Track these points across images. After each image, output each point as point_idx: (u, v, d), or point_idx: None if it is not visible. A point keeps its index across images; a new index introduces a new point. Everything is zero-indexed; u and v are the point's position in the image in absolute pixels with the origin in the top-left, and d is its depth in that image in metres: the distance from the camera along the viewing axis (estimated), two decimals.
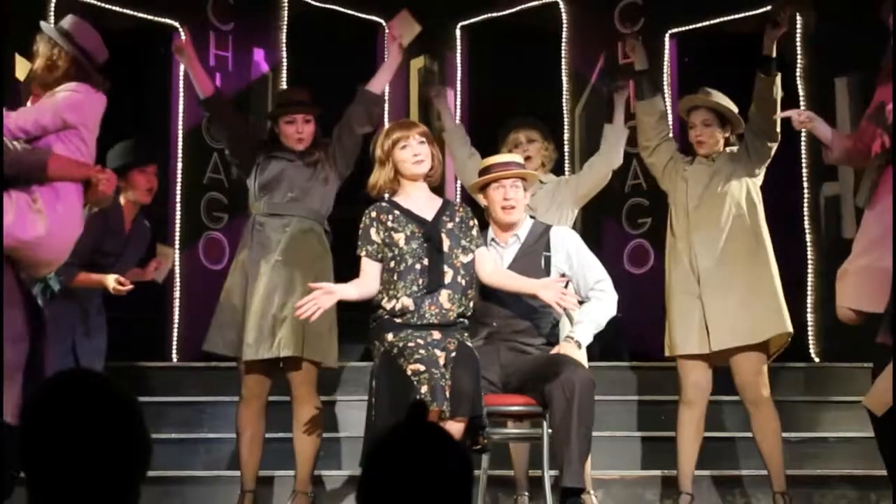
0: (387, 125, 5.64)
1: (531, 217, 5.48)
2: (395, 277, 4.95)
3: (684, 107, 5.96)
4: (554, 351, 5.20)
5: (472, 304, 5.07)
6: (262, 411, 5.65)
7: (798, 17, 7.81)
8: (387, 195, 5.11)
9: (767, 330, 5.63)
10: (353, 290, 5.00)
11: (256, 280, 5.56)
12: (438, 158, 5.13)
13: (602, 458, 6.11)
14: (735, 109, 5.86)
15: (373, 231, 5.01)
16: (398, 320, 4.91)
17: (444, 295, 4.94)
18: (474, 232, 5.10)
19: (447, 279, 4.96)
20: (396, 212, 5.03)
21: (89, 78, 4.79)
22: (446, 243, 5.00)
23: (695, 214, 5.74)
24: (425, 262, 4.96)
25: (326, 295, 4.92)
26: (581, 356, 5.21)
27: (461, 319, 5.00)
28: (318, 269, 5.59)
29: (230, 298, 5.64)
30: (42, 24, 4.90)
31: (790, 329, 5.68)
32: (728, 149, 5.86)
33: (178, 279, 7.53)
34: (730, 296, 5.61)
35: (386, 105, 8.48)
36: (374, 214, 5.04)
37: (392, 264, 4.97)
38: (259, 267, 5.58)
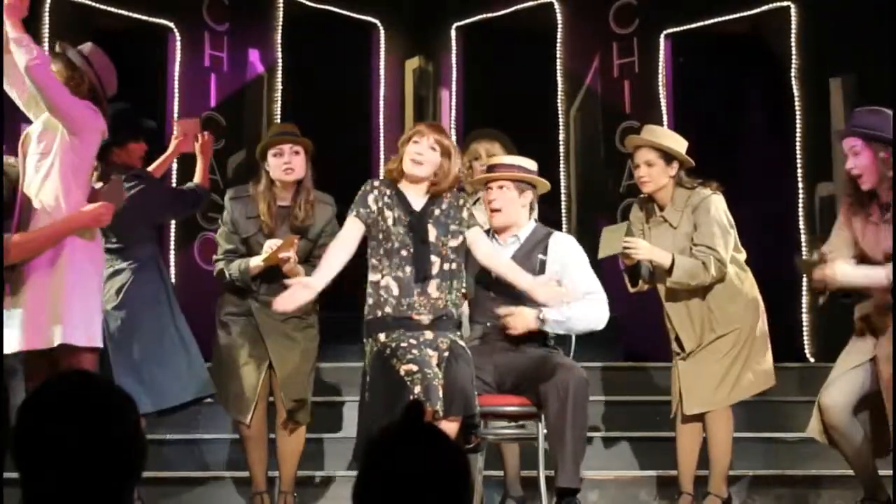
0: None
1: (535, 221, 5.45)
2: (382, 253, 4.93)
3: (628, 146, 5.72)
4: (508, 309, 5.18)
5: (461, 292, 5.04)
6: (266, 412, 5.62)
7: (793, 17, 7.83)
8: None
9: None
10: (323, 279, 4.94)
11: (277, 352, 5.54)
12: (448, 172, 5.03)
13: (597, 459, 6.12)
14: (680, 147, 5.57)
15: (370, 197, 4.99)
16: (389, 311, 4.87)
17: (432, 284, 4.92)
18: (464, 214, 5.04)
19: (434, 269, 4.93)
20: (393, 192, 5.01)
21: (101, 105, 4.89)
22: (432, 233, 4.97)
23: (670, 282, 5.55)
24: (411, 249, 4.94)
25: (305, 289, 4.90)
26: (529, 323, 5.19)
27: (451, 309, 4.95)
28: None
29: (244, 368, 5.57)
30: (63, 45, 4.99)
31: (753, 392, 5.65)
32: (690, 198, 5.52)
33: (172, 280, 7.52)
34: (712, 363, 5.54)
35: (381, 104, 8.51)
36: (375, 184, 5.03)
37: (380, 237, 4.95)
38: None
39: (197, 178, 5.95)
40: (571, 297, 5.07)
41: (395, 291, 4.89)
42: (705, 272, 5.37)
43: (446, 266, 4.95)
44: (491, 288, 5.27)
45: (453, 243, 4.99)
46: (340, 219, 5.28)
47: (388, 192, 4.99)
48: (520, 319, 5.17)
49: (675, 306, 5.55)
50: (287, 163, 5.47)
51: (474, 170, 6.04)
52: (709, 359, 5.49)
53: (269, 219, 5.47)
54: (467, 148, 6.03)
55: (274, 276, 5.44)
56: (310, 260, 5.46)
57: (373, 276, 4.95)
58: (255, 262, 5.42)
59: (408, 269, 4.92)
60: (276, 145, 5.49)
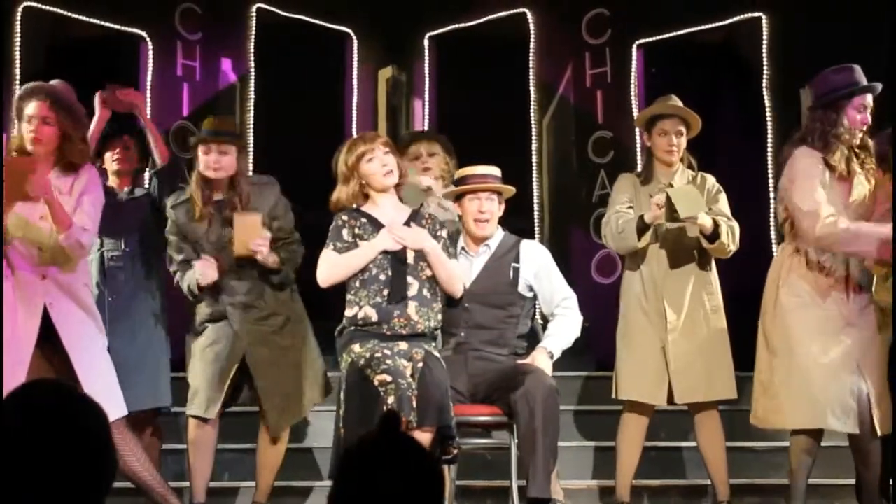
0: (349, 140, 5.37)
1: (503, 229, 5.47)
2: (359, 285, 4.94)
3: (652, 113, 5.75)
4: (526, 360, 5.21)
5: (440, 316, 5.06)
6: (219, 419, 5.58)
7: (764, 28, 7.86)
8: (355, 205, 5.07)
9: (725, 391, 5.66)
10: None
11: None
12: (403, 166, 5.11)
13: (569, 468, 6.12)
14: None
15: (344, 231, 5.00)
16: (367, 329, 4.90)
17: (411, 307, 4.93)
18: (441, 244, 5.09)
19: (412, 291, 4.94)
20: (363, 219, 5.02)
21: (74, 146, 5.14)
22: (411, 255, 4.99)
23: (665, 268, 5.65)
24: (389, 273, 4.94)
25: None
26: (547, 366, 5.22)
27: (432, 332, 4.99)
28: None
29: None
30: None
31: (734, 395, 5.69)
32: (696, 178, 5.71)
33: None
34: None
35: (353, 114, 8.51)
36: (344, 218, 5.04)
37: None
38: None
39: (157, 158, 5.90)
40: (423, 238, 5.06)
41: (375, 317, 4.89)
42: (735, 237, 5.53)
43: (425, 291, 4.98)
44: (463, 298, 5.27)
45: (430, 272, 5.00)
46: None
47: (357, 222, 4.99)
48: (539, 361, 5.22)
49: (672, 272, 5.58)
50: (215, 161, 5.44)
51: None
52: (711, 337, 5.55)
53: (204, 211, 5.44)
54: (407, 148, 6.06)
55: (244, 276, 5.45)
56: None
57: (349, 311, 4.96)
58: (202, 276, 5.37)
59: (385, 292, 4.92)
60: (206, 144, 5.47)
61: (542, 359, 5.20)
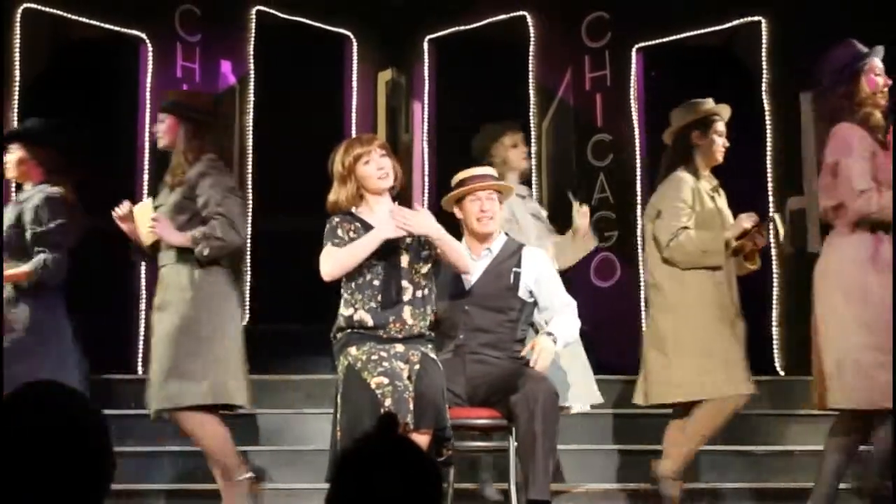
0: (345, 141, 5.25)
1: (505, 234, 5.47)
2: (354, 287, 4.93)
3: (707, 111, 5.89)
4: (530, 345, 5.16)
5: (432, 316, 5.04)
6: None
7: (764, 31, 7.87)
8: (353, 208, 5.04)
9: None
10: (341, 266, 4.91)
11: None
12: (399, 169, 5.08)
13: (568, 471, 6.12)
14: None
15: (339, 230, 4.96)
16: (363, 331, 4.88)
17: (406, 311, 4.91)
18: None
19: (407, 296, 4.92)
20: (357, 224, 4.98)
21: None
22: (405, 259, 4.96)
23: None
24: (382, 277, 4.92)
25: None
26: (549, 349, 5.13)
27: (427, 333, 4.98)
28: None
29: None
30: None
31: None
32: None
33: (143, 290, 7.49)
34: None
35: (353, 116, 8.52)
36: (337, 220, 4.98)
37: (351, 272, 4.94)
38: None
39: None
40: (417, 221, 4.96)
41: (370, 322, 4.88)
42: None
43: (419, 293, 4.95)
44: (462, 301, 5.27)
45: (424, 269, 4.99)
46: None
47: (351, 225, 4.96)
48: (545, 354, 5.09)
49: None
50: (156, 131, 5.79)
51: (510, 157, 6.30)
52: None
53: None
54: (502, 136, 6.21)
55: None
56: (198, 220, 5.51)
57: (345, 311, 4.94)
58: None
59: (380, 297, 4.90)
60: None
61: (544, 341, 5.12)
